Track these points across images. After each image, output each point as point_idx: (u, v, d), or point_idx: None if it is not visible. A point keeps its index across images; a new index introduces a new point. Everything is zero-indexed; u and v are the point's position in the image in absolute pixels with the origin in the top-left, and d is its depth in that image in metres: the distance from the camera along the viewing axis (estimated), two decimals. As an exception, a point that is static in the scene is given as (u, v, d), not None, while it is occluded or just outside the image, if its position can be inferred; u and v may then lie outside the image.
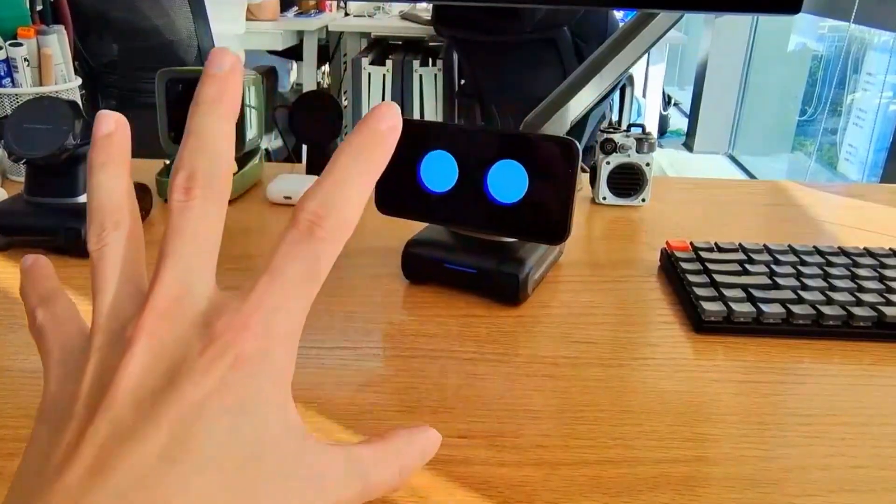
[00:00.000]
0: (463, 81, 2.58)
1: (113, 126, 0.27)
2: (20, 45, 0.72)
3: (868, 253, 0.56)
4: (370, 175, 0.26)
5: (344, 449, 0.27)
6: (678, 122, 4.34)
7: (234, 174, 0.71)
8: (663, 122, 4.11)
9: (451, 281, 0.53)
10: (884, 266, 0.54)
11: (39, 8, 0.81)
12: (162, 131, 0.70)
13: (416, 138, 0.51)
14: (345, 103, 2.92)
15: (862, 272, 0.53)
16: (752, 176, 3.59)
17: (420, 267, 0.54)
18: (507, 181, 0.49)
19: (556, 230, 0.49)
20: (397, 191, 0.53)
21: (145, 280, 0.26)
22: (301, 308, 0.25)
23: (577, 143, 0.46)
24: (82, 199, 0.59)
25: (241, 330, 0.23)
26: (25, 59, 0.73)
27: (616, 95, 2.18)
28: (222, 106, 0.26)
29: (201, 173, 0.25)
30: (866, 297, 0.49)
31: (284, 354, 0.24)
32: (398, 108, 0.26)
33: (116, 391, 0.22)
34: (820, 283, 0.51)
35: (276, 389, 0.24)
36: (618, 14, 2.10)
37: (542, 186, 0.48)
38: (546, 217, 0.49)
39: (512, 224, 0.50)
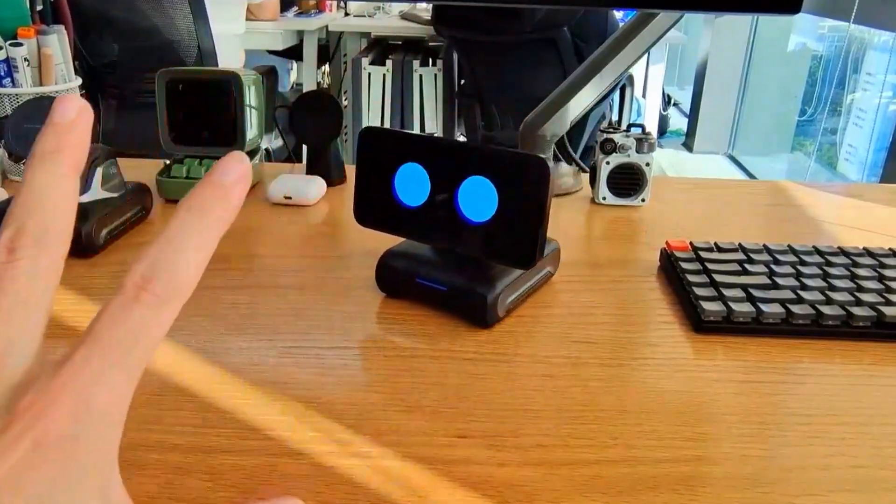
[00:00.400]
0: (463, 81, 2.58)
1: (74, 113, 0.23)
2: (20, 45, 0.72)
3: (868, 253, 0.56)
4: (210, 233, 0.22)
5: None
6: (678, 122, 4.34)
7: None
8: (663, 122, 4.11)
9: (423, 297, 0.51)
10: (883, 266, 0.54)
11: (39, 8, 0.81)
12: (162, 131, 0.70)
13: (390, 150, 0.49)
14: (345, 103, 2.92)
15: (862, 272, 0.53)
16: (751, 176, 3.59)
17: (394, 280, 0.52)
18: (478, 199, 0.46)
19: (524, 254, 0.46)
20: (373, 203, 0.51)
21: (41, 325, 0.22)
22: (125, 380, 0.21)
23: (550, 162, 0.44)
24: (82, 198, 0.59)
25: (47, 409, 0.20)
26: (25, 59, 0.73)
27: (616, 95, 2.18)
28: (62, 157, 0.22)
29: (31, 231, 0.22)
30: (866, 297, 0.49)
31: (104, 433, 0.21)
32: (247, 158, 0.23)
33: None
34: (819, 283, 0.51)
35: (89, 474, 0.21)
36: (618, 14, 2.10)
37: (512, 206, 0.45)
38: (515, 239, 0.46)
39: (481, 244, 0.47)
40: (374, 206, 0.51)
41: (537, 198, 0.44)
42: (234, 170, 0.23)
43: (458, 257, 0.50)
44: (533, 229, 0.45)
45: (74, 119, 0.23)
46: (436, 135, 2.77)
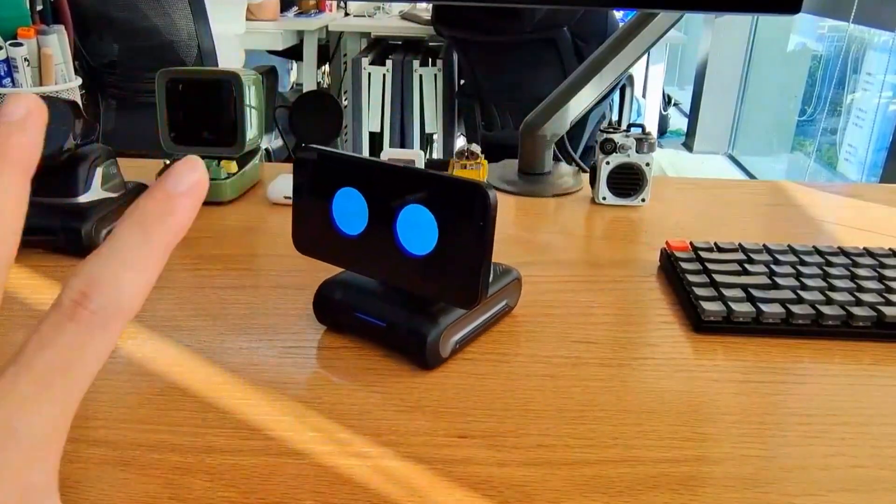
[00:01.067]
0: (463, 81, 2.58)
1: (23, 111, 0.20)
2: (20, 45, 0.72)
3: (868, 253, 0.56)
4: (156, 251, 0.20)
5: None
6: (678, 122, 4.34)
7: (234, 174, 0.71)
8: (663, 122, 4.11)
9: (363, 332, 0.46)
10: (883, 266, 0.54)
11: (40, 8, 0.81)
12: (162, 131, 0.70)
13: (328, 172, 0.44)
14: (345, 103, 2.92)
15: (861, 272, 0.53)
16: (751, 176, 3.59)
17: (332, 312, 0.47)
18: (418, 229, 0.41)
19: (465, 293, 0.40)
20: (312, 230, 0.46)
21: None
22: (56, 409, 0.19)
23: (492, 192, 0.38)
24: (82, 198, 0.59)
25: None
26: (26, 59, 0.73)
27: (616, 95, 2.18)
28: (8, 159, 0.20)
29: None
30: (866, 297, 0.49)
31: (31, 464, 0.19)
32: (202, 165, 0.21)
33: None
34: (819, 283, 0.51)
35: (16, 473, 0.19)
36: (618, 14, 2.10)
37: (452, 239, 0.40)
38: (456, 276, 0.40)
39: (421, 280, 0.42)
40: (313, 234, 0.45)
41: (478, 230, 0.39)
42: (187, 178, 0.21)
43: (397, 289, 0.45)
44: (475, 266, 0.39)
45: (23, 118, 0.20)
46: (437, 136, 2.77)
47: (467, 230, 0.39)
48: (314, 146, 0.45)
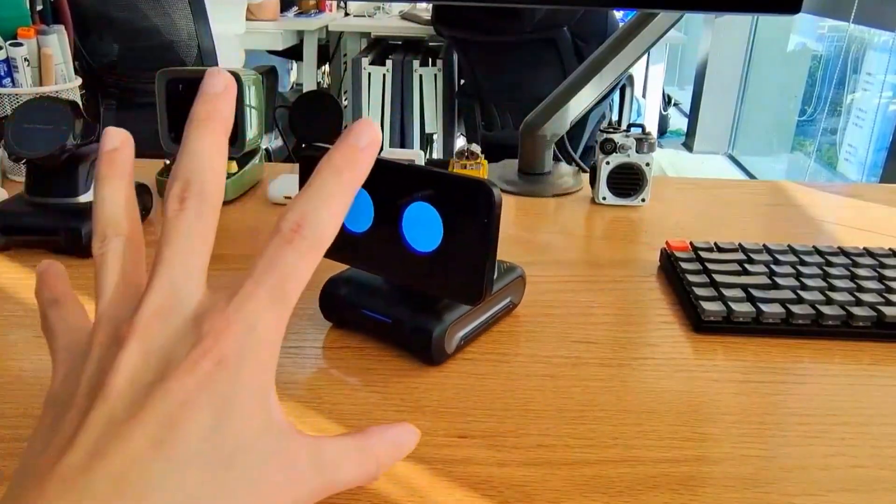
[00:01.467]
0: (463, 81, 2.58)
1: (118, 143, 0.30)
2: (20, 45, 0.72)
3: (868, 253, 0.56)
4: (346, 191, 0.27)
5: (318, 442, 0.28)
6: (678, 122, 4.34)
7: (234, 174, 0.71)
8: (663, 122, 4.11)
9: (369, 328, 0.47)
10: (883, 266, 0.54)
11: (39, 8, 0.81)
12: (162, 131, 0.70)
13: None
14: (345, 103, 2.92)
15: (862, 272, 0.53)
16: (751, 176, 3.59)
17: (337, 308, 0.47)
18: (424, 227, 0.41)
19: (469, 290, 0.41)
20: None
21: (144, 282, 0.27)
22: (281, 311, 0.26)
23: (497, 190, 0.39)
24: (83, 198, 0.59)
25: (225, 331, 0.25)
26: (26, 59, 0.73)
27: (616, 95, 2.18)
28: (215, 124, 0.28)
29: (194, 184, 0.27)
30: (866, 297, 0.49)
31: (266, 354, 0.26)
32: (377, 125, 0.27)
33: (111, 385, 0.24)
34: (819, 283, 0.51)
35: (257, 387, 0.25)
36: (617, 14, 2.10)
37: (457, 237, 0.40)
38: (461, 273, 0.41)
39: (426, 277, 0.42)
40: None
41: (483, 227, 0.39)
42: (366, 135, 0.27)
43: (404, 287, 0.46)
44: (479, 263, 0.40)
45: (222, 91, 0.28)
46: (437, 136, 2.77)
47: (472, 227, 0.40)
48: (319, 144, 0.45)
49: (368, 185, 0.41)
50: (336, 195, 0.27)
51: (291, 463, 0.26)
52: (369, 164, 0.27)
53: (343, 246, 0.44)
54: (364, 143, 0.27)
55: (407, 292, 0.45)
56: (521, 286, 0.51)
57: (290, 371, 0.43)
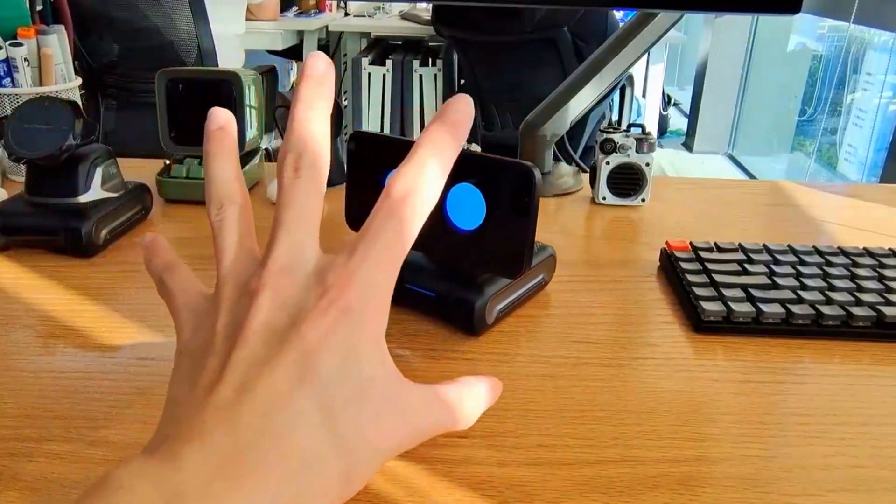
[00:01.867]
0: (463, 81, 2.58)
1: (223, 122, 0.33)
2: (20, 45, 0.72)
3: (868, 253, 0.56)
4: (446, 159, 0.30)
5: (425, 389, 0.31)
6: (678, 122, 4.34)
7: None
8: (663, 122, 4.11)
9: (412, 303, 0.49)
10: (883, 266, 0.54)
11: (39, 8, 0.81)
12: (162, 131, 0.70)
13: (381, 153, 0.48)
14: (345, 103, 2.92)
15: (861, 272, 0.53)
16: (751, 176, 3.59)
17: None
18: (467, 206, 0.45)
19: (512, 264, 0.44)
20: (365, 207, 0.49)
21: (257, 246, 0.31)
22: (393, 268, 0.29)
23: (536, 171, 0.42)
24: (83, 198, 0.59)
25: (348, 283, 0.28)
26: (25, 59, 0.73)
27: (616, 95, 2.18)
28: (319, 102, 0.31)
29: (306, 157, 0.30)
30: (866, 297, 0.49)
31: (381, 307, 0.29)
32: (471, 101, 0.31)
33: (249, 330, 0.27)
34: (819, 283, 0.51)
35: (375, 336, 0.29)
36: (618, 14, 2.10)
37: (499, 215, 0.44)
38: (503, 249, 0.44)
39: (469, 253, 0.45)
40: (366, 210, 0.49)
41: (524, 206, 0.43)
42: (462, 109, 0.31)
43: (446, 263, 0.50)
44: (520, 239, 0.43)
45: (323, 73, 0.31)
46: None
47: (514, 206, 0.43)
48: (366, 131, 0.49)
49: None
50: (436, 163, 0.30)
51: (406, 405, 0.29)
52: (462, 136, 0.31)
53: None
54: (459, 118, 0.30)
55: (448, 268, 0.49)
56: (552, 265, 0.54)
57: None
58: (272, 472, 0.25)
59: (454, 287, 0.47)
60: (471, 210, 0.45)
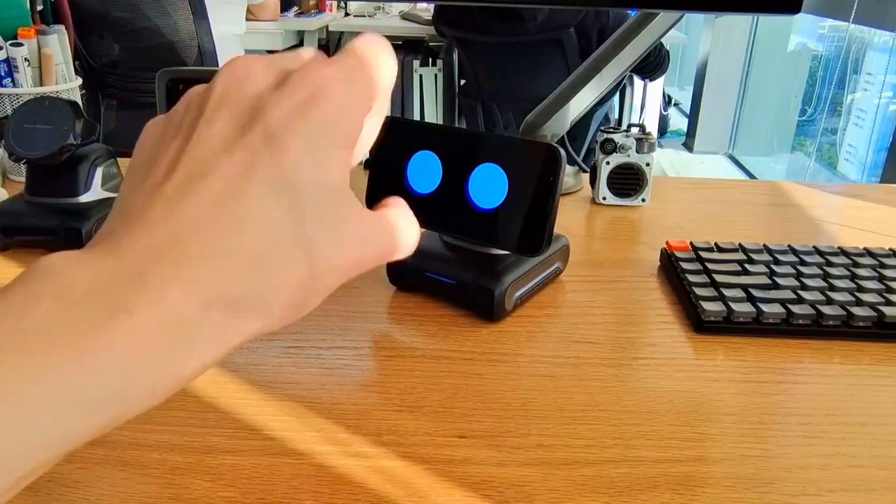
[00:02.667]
0: (464, 82, 2.58)
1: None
2: (21, 45, 0.72)
3: (868, 253, 0.56)
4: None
5: (378, 213, 0.28)
6: (678, 122, 4.34)
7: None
8: (663, 122, 4.11)
9: (433, 290, 0.52)
10: (884, 266, 0.54)
11: (40, 8, 0.81)
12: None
13: (404, 138, 0.50)
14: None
15: (862, 272, 0.53)
16: (751, 176, 3.59)
17: (404, 274, 0.53)
18: (489, 186, 0.47)
19: (531, 241, 0.46)
20: (386, 190, 0.50)
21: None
22: (367, 87, 0.26)
23: (562, 151, 0.45)
24: (83, 198, 0.59)
25: (322, 68, 0.25)
26: (26, 59, 0.73)
27: (617, 96, 2.18)
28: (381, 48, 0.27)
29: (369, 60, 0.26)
30: (866, 297, 0.49)
31: (359, 112, 0.26)
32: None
33: (204, 120, 0.24)
34: (820, 283, 0.51)
35: (349, 140, 0.25)
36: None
37: (521, 194, 0.46)
38: (523, 226, 0.46)
39: (490, 231, 0.47)
40: (387, 194, 0.50)
41: (547, 184, 0.45)
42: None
43: (467, 252, 0.51)
44: (541, 216, 0.45)
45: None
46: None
47: (538, 185, 0.45)
48: (395, 116, 0.50)
49: (438, 150, 0.48)
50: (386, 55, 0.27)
51: (362, 221, 0.26)
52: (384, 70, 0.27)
53: (411, 208, 0.47)
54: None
55: (466, 256, 0.50)
56: (566, 254, 0.56)
57: (288, 371, 0.43)
58: (217, 265, 0.22)
59: (474, 275, 0.49)
60: (492, 189, 0.46)
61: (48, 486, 0.33)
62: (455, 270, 0.50)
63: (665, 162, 3.77)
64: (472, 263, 0.50)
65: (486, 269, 0.49)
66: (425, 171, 0.49)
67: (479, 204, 0.47)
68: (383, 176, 0.51)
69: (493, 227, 0.47)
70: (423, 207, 0.47)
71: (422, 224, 0.49)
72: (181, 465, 0.35)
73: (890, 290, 0.51)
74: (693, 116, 4.00)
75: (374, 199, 0.51)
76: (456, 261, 0.51)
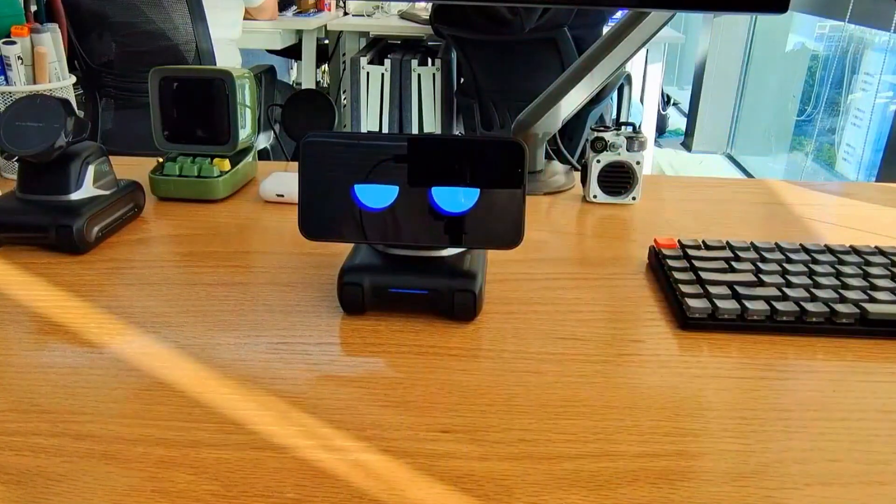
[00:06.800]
0: (462, 80, 2.59)
1: None
2: (14, 43, 0.73)
3: (854, 251, 0.56)
4: None
5: None
6: (677, 121, 4.34)
7: (227, 172, 0.71)
8: (662, 122, 4.11)
9: (400, 305, 0.50)
10: (869, 264, 0.54)
11: (34, 8, 0.82)
12: (156, 129, 0.71)
13: (348, 154, 0.47)
14: (345, 102, 2.92)
15: (847, 270, 0.53)
16: (749, 176, 3.59)
17: (362, 297, 0.49)
18: (454, 190, 0.46)
19: (510, 235, 0.47)
20: (327, 212, 0.47)
21: None
22: None
23: (524, 144, 0.45)
24: (74, 196, 0.59)
25: None
26: (19, 58, 0.73)
27: (615, 95, 2.18)
28: None
29: None
30: (850, 295, 0.50)
31: None
32: None
33: None
34: (805, 280, 0.52)
35: None
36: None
37: (492, 192, 0.46)
38: (499, 222, 0.46)
39: (463, 234, 0.47)
40: (327, 216, 0.47)
41: (518, 178, 0.46)
42: None
43: (415, 260, 0.49)
44: (517, 210, 0.46)
45: None
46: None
47: (507, 180, 0.46)
48: (321, 133, 0.48)
49: (393, 162, 0.46)
50: None
51: None
52: None
53: (359, 226, 0.47)
54: None
55: (422, 264, 0.49)
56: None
57: (275, 367, 0.43)
58: None
59: (445, 280, 0.48)
60: (461, 192, 0.46)
61: (34, 480, 0.34)
62: (422, 280, 0.48)
63: (664, 161, 3.77)
64: (432, 270, 0.49)
65: (452, 272, 0.49)
66: (377, 185, 0.46)
67: (448, 209, 0.46)
68: (324, 197, 0.47)
69: (468, 229, 0.47)
70: (380, 223, 0.47)
71: (377, 240, 0.49)
72: (165, 459, 0.35)
73: (874, 287, 0.51)
74: (692, 116, 4.00)
75: (310, 223, 0.48)
76: (413, 271, 0.49)
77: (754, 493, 0.34)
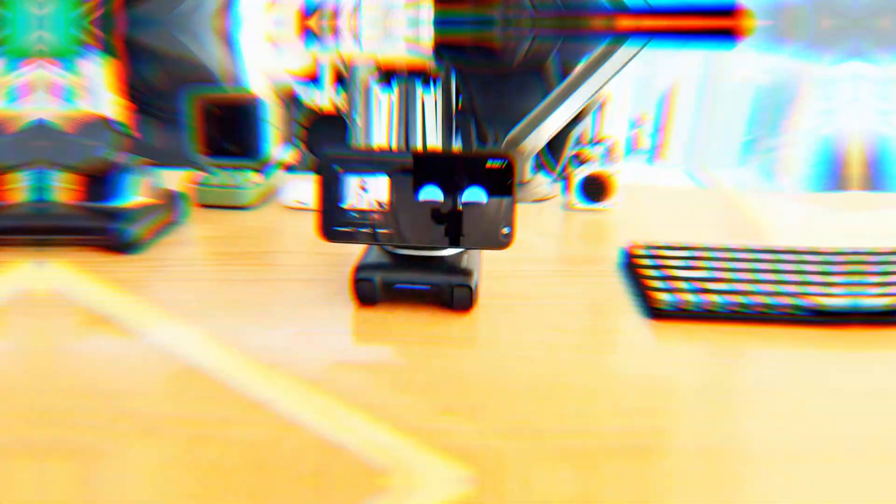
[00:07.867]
0: (461, 98, 2.58)
1: None
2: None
3: (792, 251, 0.55)
4: None
5: None
6: (643, 140, 4.33)
7: (259, 183, 0.70)
8: (631, 141, 4.10)
9: (406, 299, 0.49)
10: (804, 262, 0.53)
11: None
12: (194, 146, 0.69)
13: (360, 166, 0.46)
14: (360, 122, 2.91)
15: (784, 266, 0.52)
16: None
17: (373, 292, 0.48)
18: (454, 198, 0.46)
19: (504, 238, 0.46)
20: (340, 217, 0.47)
21: None
22: None
23: (515, 156, 0.45)
24: (123, 203, 0.58)
25: None
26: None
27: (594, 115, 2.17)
28: None
29: None
30: (787, 289, 0.48)
31: None
32: None
33: None
34: (750, 276, 0.50)
35: None
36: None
37: (489, 199, 0.45)
38: (495, 226, 0.46)
39: (461, 236, 0.46)
40: (341, 222, 0.47)
41: (510, 186, 0.45)
42: None
43: (418, 259, 0.48)
44: (510, 215, 0.45)
45: None
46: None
47: (500, 189, 0.45)
48: (335, 147, 0.49)
49: (402, 171, 0.45)
50: None
51: None
52: None
53: (374, 228, 0.46)
54: None
55: (424, 263, 0.48)
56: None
57: (297, 354, 0.42)
58: None
59: (445, 276, 0.47)
60: (458, 201, 0.45)
61: (86, 453, 0.32)
62: (424, 276, 0.47)
63: (630, 174, 3.76)
64: (433, 268, 0.48)
65: (451, 269, 0.48)
66: (385, 195, 0.46)
67: (447, 214, 0.46)
68: (336, 206, 0.46)
69: (465, 232, 0.46)
70: (384, 226, 0.46)
71: (382, 241, 0.47)
72: (198, 435, 0.34)
73: (806, 283, 0.49)
74: (656, 136, 3.99)
75: (328, 228, 0.47)
76: (419, 268, 0.48)
77: (722, 468, 0.32)
